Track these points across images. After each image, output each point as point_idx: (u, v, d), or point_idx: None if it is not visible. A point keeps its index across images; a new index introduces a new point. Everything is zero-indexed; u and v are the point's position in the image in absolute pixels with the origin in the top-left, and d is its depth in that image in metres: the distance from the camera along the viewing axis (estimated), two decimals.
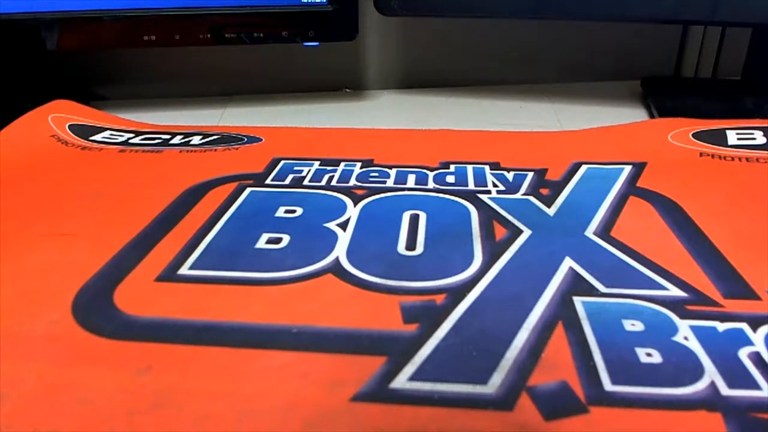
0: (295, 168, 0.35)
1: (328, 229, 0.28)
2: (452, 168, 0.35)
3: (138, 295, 0.24)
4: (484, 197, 0.31)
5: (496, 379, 0.19)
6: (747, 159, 0.34)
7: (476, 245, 0.27)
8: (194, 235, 0.28)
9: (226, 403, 0.19)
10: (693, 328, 0.21)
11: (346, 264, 0.26)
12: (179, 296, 0.24)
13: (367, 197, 0.31)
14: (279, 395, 0.19)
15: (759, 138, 0.37)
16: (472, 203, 0.31)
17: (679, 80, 0.56)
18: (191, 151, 0.38)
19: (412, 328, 0.22)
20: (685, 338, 0.21)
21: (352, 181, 0.33)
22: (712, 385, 0.19)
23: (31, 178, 0.34)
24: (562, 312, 0.22)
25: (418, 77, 0.57)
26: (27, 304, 0.23)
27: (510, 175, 0.34)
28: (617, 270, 0.25)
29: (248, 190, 0.32)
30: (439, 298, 0.23)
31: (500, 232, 0.28)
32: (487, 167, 0.35)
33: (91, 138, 0.40)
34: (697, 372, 0.19)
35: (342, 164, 0.35)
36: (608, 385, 0.19)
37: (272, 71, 0.56)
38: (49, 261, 0.26)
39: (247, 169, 0.35)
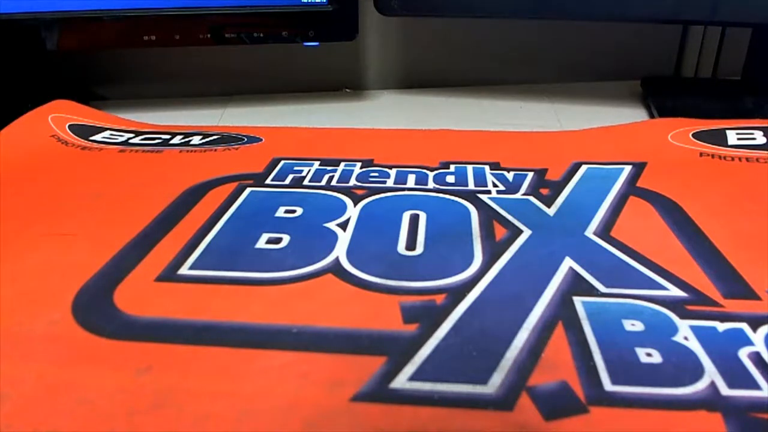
0: (295, 168, 0.35)
1: (328, 229, 0.28)
2: (452, 168, 0.35)
3: (138, 295, 0.24)
4: (484, 197, 0.31)
5: (496, 379, 0.19)
6: (747, 159, 0.34)
7: (476, 245, 0.27)
8: (194, 235, 0.28)
9: (226, 403, 0.19)
10: (693, 328, 0.21)
11: (346, 264, 0.26)
12: (179, 296, 0.24)
13: (367, 197, 0.31)
14: (279, 395, 0.19)
15: (759, 138, 0.37)
16: (472, 203, 0.31)
17: (679, 80, 0.56)
18: (191, 151, 0.38)
19: (412, 328, 0.22)
20: (685, 338, 0.21)
21: (352, 181, 0.33)
22: (712, 385, 0.19)
23: (31, 178, 0.34)
24: (562, 312, 0.22)
25: (418, 77, 0.57)
26: (27, 304, 0.23)
27: (510, 175, 0.34)
28: (617, 270, 0.25)
29: (248, 190, 0.32)
30: (439, 298, 0.23)
31: (500, 232, 0.28)
32: (487, 167, 0.35)
33: (91, 138, 0.40)
34: (697, 372, 0.19)
35: (342, 164, 0.35)
36: (608, 385, 0.19)
37: (272, 71, 0.56)
38: (49, 261, 0.26)
39: (247, 169, 0.35)
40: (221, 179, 0.34)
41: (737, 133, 0.37)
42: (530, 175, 0.34)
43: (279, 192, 0.32)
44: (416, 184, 0.33)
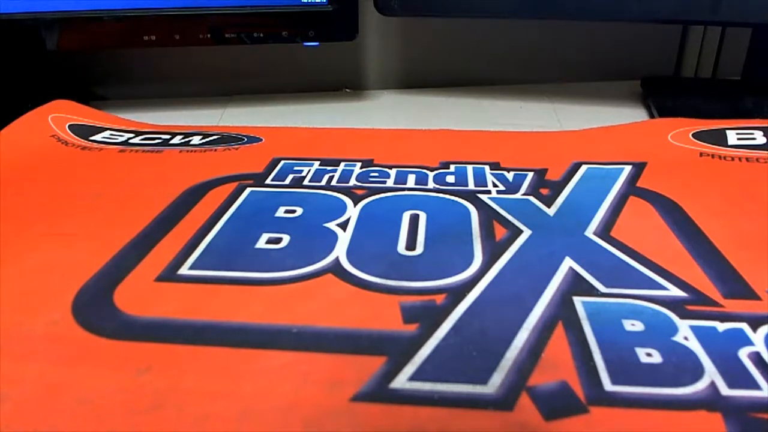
0: (295, 168, 0.35)
1: (328, 229, 0.28)
2: (452, 168, 0.35)
3: (138, 295, 0.24)
4: (484, 197, 0.31)
5: (496, 379, 0.19)
6: (747, 159, 0.34)
7: (476, 245, 0.27)
8: (194, 235, 0.28)
9: (226, 403, 0.19)
10: (693, 328, 0.21)
11: (346, 264, 0.26)
12: (179, 296, 0.24)
13: (367, 197, 0.31)
14: (279, 395, 0.19)
15: (759, 138, 0.37)
16: (472, 203, 0.31)
17: (679, 80, 0.56)
18: (191, 151, 0.38)
19: (412, 328, 0.22)
20: (685, 338, 0.21)
21: (352, 181, 0.33)
22: (712, 385, 0.19)
23: (31, 178, 0.34)
24: (562, 312, 0.22)
25: (418, 77, 0.57)
26: (27, 304, 0.23)
27: (510, 175, 0.34)
28: (617, 270, 0.25)
29: (248, 190, 0.32)
30: (439, 298, 0.23)
31: (500, 232, 0.28)
32: (487, 167, 0.35)
33: (91, 138, 0.40)
34: (697, 372, 0.19)
35: (342, 164, 0.35)
36: (608, 385, 0.19)
37: (272, 71, 0.56)
38: (49, 261, 0.26)
39: (247, 169, 0.35)
40: (221, 179, 0.34)
41: (737, 133, 0.37)
42: (530, 175, 0.34)
43: (279, 192, 0.32)
44: (416, 184, 0.33)
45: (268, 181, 0.34)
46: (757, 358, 0.20)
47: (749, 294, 0.23)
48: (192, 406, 0.19)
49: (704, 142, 0.37)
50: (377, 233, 0.28)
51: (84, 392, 0.19)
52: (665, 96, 0.48)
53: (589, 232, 0.28)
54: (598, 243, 0.27)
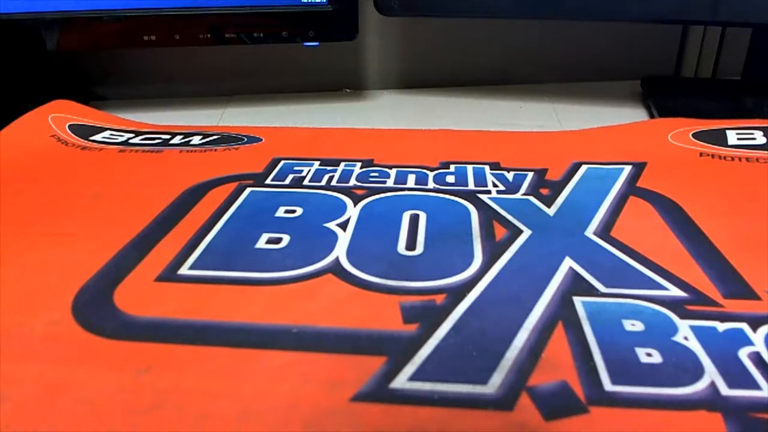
0: (295, 168, 0.35)
1: (328, 229, 0.28)
2: (452, 168, 0.35)
3: (138, 295, 0.24)
4: (484, 197, 0.31)
5: (496, 379, 0.19)
6: (747, 159, 0.34)
7: (476, 245, 0.27)
8: (194, 235, 0.28)
9: (226, 403, 0.19)
10: (693, 328, 0.21)
11: (346, 264, 0.26)
12: (179, 296, 0.24)
13: (367, 197, 0.31)
14: (279, 395, 0.19)
15: (759, 138, 0.37)
16: (472, 203, 0.31)
17: (679, 80, 0.56)
18: (191, 151, 0.38)
19: (412, 328, 0.22)
20: (685, 338, 0.21)
21: (352, 181, 0.33)
22: (712, 385, 0.19)
23: (31, 178, 0.34)
24: (562, 312, 0.22)
25: (418, 77, 0.57)
26: (27, 304, 0.23)
27: (510, 175, 0.34)
28: (617, 270, 0.25)
29: (248, 190, 0.32)
30: (439, 298, 0.23)
31: (500, 232, 0.28)
32: (487, 167, 0.35)
33: (91, 138, 0.40)
34: (697, 372, 0.19)
35: (342, 164, 0.35)
36: (608, 385, 0.19)
37: (272, 71, 0.56)
38: (49, 261, 0.26)
39: (247, 169, 0.35)
40: (221, 179, 0.34)
41: (737, 133, 0.37)
42: (530, 175, 0.34)
43: (279, 192, 0.32)
44: (416, 184, 0.33)
45: (268, 181, 0.34)
46: (757, 358, 0.20)
47: (749, 294, 0.23)
48: (192, 406, 0.19)
49: (704, 142, 0.37)
50: (377, 233, 0.28)
51: (84, 392, 0.19)
52: (665, 96, 0.48)
53: (589, 232, 0.28)
54: (598, 243, 0.27)
